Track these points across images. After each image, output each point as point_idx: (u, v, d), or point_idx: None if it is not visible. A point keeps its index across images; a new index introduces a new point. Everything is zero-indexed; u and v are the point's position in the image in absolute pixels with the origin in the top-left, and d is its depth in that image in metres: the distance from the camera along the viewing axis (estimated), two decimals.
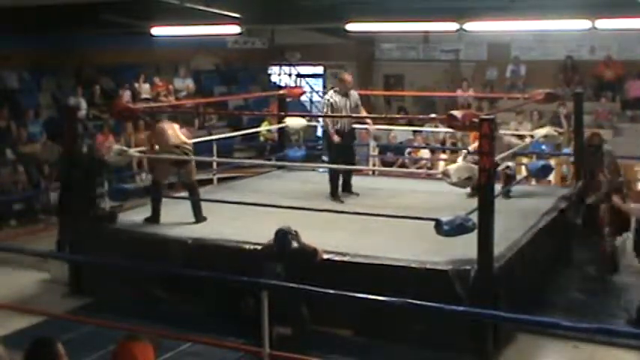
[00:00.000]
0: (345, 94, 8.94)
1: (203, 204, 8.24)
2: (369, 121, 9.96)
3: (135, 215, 8.44)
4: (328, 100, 9.00)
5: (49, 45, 13.87)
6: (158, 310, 7.04)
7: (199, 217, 8.03)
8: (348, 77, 9.14)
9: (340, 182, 9.17)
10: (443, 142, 13.80)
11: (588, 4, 11.37)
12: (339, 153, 9.02)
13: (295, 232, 6.46)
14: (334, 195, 8.98)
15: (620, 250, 8.70)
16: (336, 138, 8.85)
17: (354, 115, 9.03)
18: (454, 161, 9.08)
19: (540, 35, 15.11)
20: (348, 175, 9.25)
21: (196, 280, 6.78)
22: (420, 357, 6.19)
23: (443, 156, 13.48)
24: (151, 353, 3.55)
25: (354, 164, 9.49)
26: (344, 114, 8.84)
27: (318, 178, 9.82)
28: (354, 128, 9.55)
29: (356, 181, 10.31)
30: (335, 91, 9.05)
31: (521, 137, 9.84)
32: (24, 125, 12.72)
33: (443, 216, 6.36)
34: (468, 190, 7.67)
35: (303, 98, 15.50)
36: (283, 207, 7.60)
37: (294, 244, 6.41)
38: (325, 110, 9.05)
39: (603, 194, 8.31)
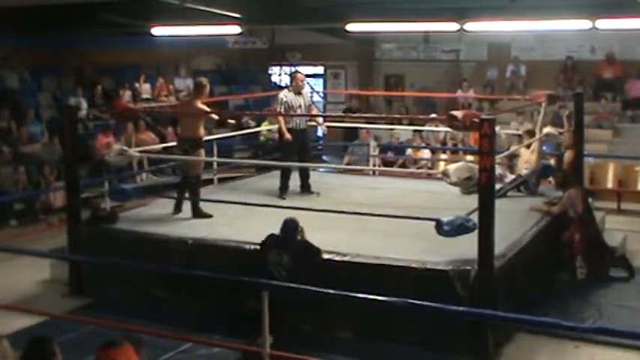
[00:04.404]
0: (299, 93, 9.22)
1: (205, 204, 8.24)
2: (320, 120, 10.30)
3: (135, 215, 8.45)
4: (282, 98, 9.24)
5: (49, 45, 13.86)
6: (158, 310, 7.04)
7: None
8: (300, 76, 9.45)
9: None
10: (443, 142, 13.81)
11: (588, 4, 11.37)
12: (294, 151, 9.24)
13: (301, 228, 6.52)
14: (282, 191, 9.13)
15: (622, 248, 8.73)
16: (288, 136, 9.10)
17: (321, 114, 9.69)
18: (454, 161, 9.13)
19: (540, 35, 15.10)
20: (304, 174, 9.33)
21: (196, 280, 6.78)
22: (420, 357, 6.18)
23: (443, 156, 13.49)
24: (132, 355, 3.55)
25: (309, 162, 9.67)
26: (298, 112, 9.14)
27: (318, 178, 9.83)
28: (309, 126, 9.95)
29: (356, 180, 10.33)
30: (289, 90, 9.37)
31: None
32: (24, 125, 12.72)
33: (443, 216, 6.36)
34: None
35: None
36: (283, 207, 7.61)
37: (300, 237, 6.46)
38: (280, 109, 9.26)
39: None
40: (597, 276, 7.95)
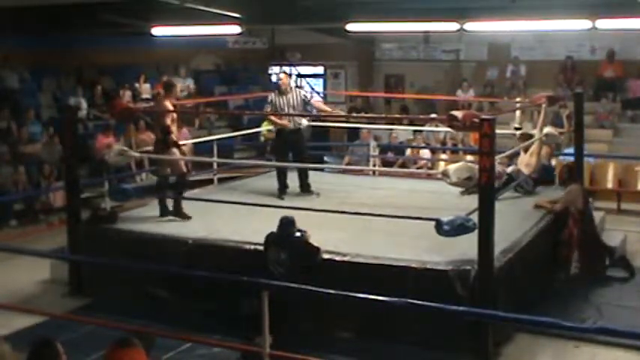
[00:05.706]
0: (284, 94, 9.18)
1: (205, 204, 8.23)
2: (327, 108, 9.95)
3: (135, 215, 8.44)
4: (270, 99, 9.31)
5: (49, 45, 13.87)
6: (158, 310, 7.04)
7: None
8: (282, 76, 9.53)
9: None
10: (443, 142, 13.80)
11: (588, 4, 11.37)
12: (287, 151, 9.30)
13: (305, 231, 6.53)
14: (280, 191, 9.13)
15: (622, 249, 8.72)
16: (285, 122, 9.20)
17: (325, 112, 9.75)
18: (454, 161, 9.11)
19: (540, 35, 15.09)
20: (303, 174, 9.30)
21: (196, 280, 6.78)
22: (420, 357, 6.18)
23: (443, 156, 13.49)
24: (142, 356, 3.54)
25: (304, 162, 9.57)
26: (285, 112, 9.13)
27: (318, 178, 9.82)
28: (306, 126, 9.88)
29: (356, 180, 10.32)
30: (276, 91, 9.37)
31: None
32: (24, 125, 12.72)
33: (443, 216, 6.36)
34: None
35: None
36: (283, 207, 7.61)
37: (298, 235, 6.46)
38: (268, 109, 9.36)
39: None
40: (594, 275, 7.95)
